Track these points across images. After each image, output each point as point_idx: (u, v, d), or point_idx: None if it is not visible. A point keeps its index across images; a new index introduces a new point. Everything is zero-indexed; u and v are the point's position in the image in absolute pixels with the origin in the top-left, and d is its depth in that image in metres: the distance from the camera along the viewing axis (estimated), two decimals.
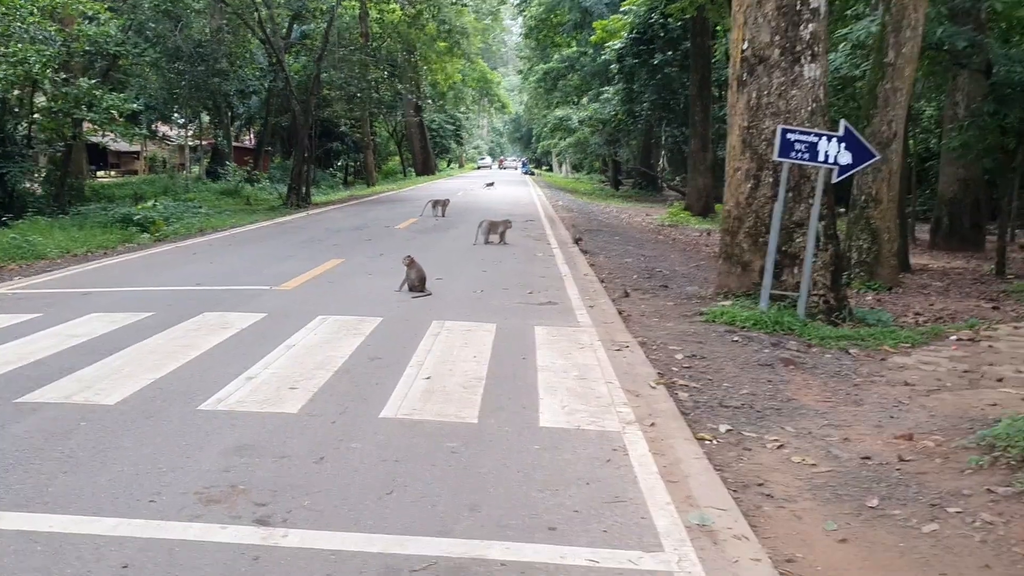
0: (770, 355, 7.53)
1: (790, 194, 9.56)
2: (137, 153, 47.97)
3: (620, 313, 9.06)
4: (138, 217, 19.14)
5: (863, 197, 12.88)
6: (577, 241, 16.64)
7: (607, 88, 39.77)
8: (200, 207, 24.59)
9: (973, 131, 14.73)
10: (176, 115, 37.56)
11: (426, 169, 58.10)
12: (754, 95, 9.83)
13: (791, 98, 9.62)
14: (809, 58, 9.59)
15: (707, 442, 5.09)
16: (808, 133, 8.89)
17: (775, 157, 8.85)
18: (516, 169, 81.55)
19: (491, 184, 39.95)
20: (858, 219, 12.99)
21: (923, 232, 21.38)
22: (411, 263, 9.64)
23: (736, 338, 8.12)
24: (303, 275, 10.77)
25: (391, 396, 5.51)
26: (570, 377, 6.17)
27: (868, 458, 4.89)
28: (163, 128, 42.14)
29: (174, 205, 23.76)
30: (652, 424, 5.18)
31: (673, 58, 34.38)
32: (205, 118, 41.63)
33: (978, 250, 19.09)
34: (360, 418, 5.06)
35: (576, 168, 67.81)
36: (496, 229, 15.10)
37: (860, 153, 8.99)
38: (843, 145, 8.92)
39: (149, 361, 6.24)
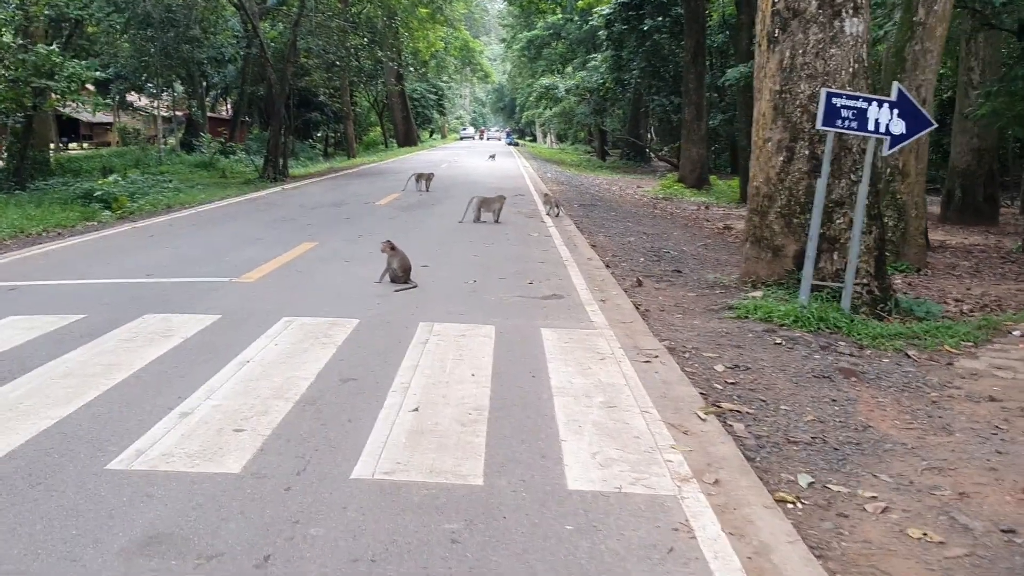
0: (824, 363, 6.23)
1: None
2: (111, 124, 45.96)
3: (637, 308, 7.72)
4: (99, 193, 17.59)
5: (888, 170, 11.56)
6: (552, 207, 15.42)
7: (595, 55, 38.18)
8: (170, 181, 23.05)
9: (1003, 97, 13.42)
10: (149, 85, 35.62)
11: (408, 140, 56.29)
12: (787, 54, 8.45)
13: (830, 58, 8.26)
14: (851, 11, 8.21)
15: (790, 505, 3.78)
16: (856, 98, 7.53)
17: (819, 126, 7.48)
18: (500, 140, 79.58)
19: (492, 157, 38.35)
20: (882, 194, 11.68)
21: (932, 205, 20.14)
22: (392, 250, 8.24)
23: (778, 340, 6.81)
24: (270, 263, 9.34)
25: (367, 441, 4.14)
26: (595, 404, 4.83)
27: (1012, 532, 3.59)
28: (136, 98, 40.20)
29: (143, 179, 22.21)
30: (715, 481, 3.86)
31: (663, 24, 32.83)
32: (179, 88, 39.79)
33: (992, 224, 17.88)
34: (325, 480, 3.70)
35: (560, 139, 66.13)
36: (490, 206, 13.65)
37: (915, 121, 7.64)
38: (895, 112, 7.57)
39: (59, 390, 4.83)
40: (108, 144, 44.29)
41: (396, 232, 12.28)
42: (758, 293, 8.31)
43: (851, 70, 8.24)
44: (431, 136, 75.08)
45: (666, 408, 4.88)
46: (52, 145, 42.46)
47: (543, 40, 51.00)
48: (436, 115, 68.81)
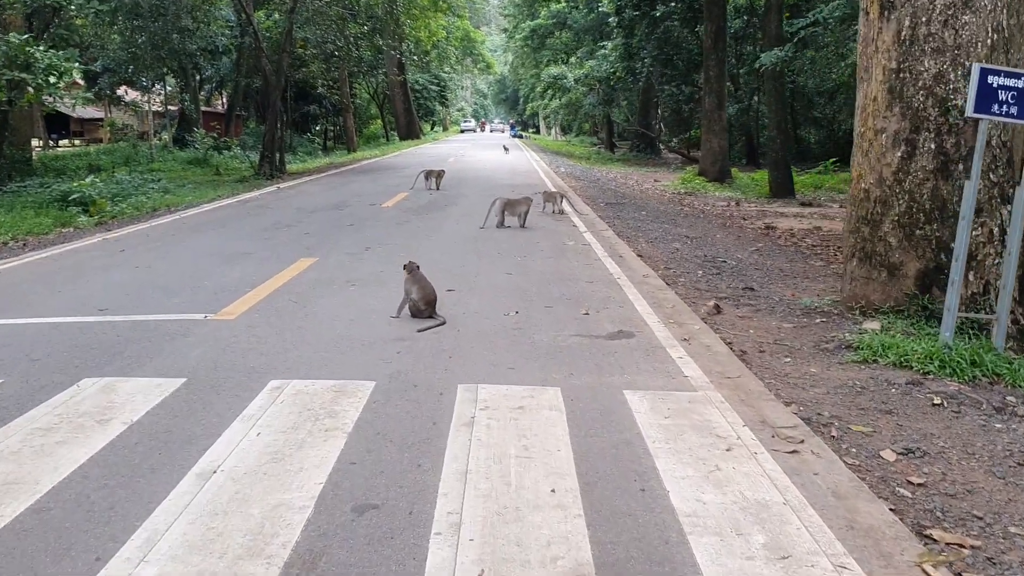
0: (1017, 437, 4.44)
1: (956, 167, 6.44)
2: (103, 120, 43.97)
3: (730, 346, 5.90)
4: (76, 196, 15.75)
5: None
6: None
7: (604, 43, 36.23)
8: (159, 180, 21.23)
9: None
10: (141, 78, 33.65)
11: (410, 133, 54.27)
12: (907, 23, 6.61)
13: (962, 27, 6.43)
14: None
15: None
16: (1019, 76, 5.69)
17: (970, 112, 5.62)
18: (503, 132, 77.25)
19: (506, 150, 36.47)
20: None
21: None
22: (412, 273, 6.40)
23: (934, 398, 5.00)
24: (258, 289, 7.48)
25: None
26: (757, 554, 3.01)
27: None
28: (129, 92, 38.18)
29: (129, 179, 20.41)
30: None
31: (676, 9, 30.92)
32: (171, 81, 37.84)
33: None
34: None
35: (564, 130, 64.11)
36: (515, 209, 11.76)
37: None
38: None
39: None
40: (100, 141, 42.32)
41: (408, 241, 10.44)
42: (875, 325, 6.48)
43: (988, 42, 6.41)
44: (432, 128, 72.98)
45: (865, 553, 3.06)
46: (40, 142, 40.59)
47: (547, 29, 48.99)
48: (439, 107, 66.74)
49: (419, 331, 6.03)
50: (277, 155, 24.88)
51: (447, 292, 7.28)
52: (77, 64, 21.90)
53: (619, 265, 9.07)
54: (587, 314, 6.70)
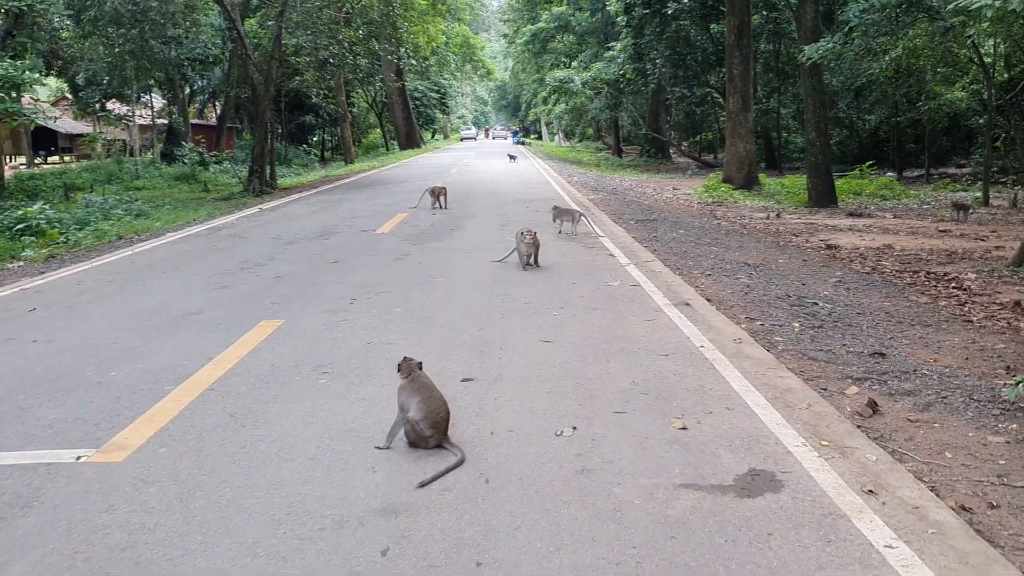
0: None
1: None
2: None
3: (942, 499, 3.40)
4: (21, 227, 13.32)
5: None
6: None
7: (613, 44, 33.76)
8: (135, 200, 18.79)
9: None
10: (126, 90, 31.16)
11: (410, 142, 51.71)
12: None
13: None
14: None
15: None
16: None
17: None
18: (506, 139, 74.43)
19: (513, 158, 34.04)
20: None
21: None
22: (411, 378, 3.89)
23: None
24: (183, 387, 4.94)
25: None
26: None
27: None
28: (117, 106, 35.65)
29: (101, 200, 17.99)
30: None
31: (689, 6, 28.47)
32: (159, 93, 35.41)
33: None
34: None
35: (567, 136, 61.51)
36: (531, 246, 8.89)
37: None
38: None
39: None
40: (89, 156, 39.80)
41: (407, 287, 7.92)
42: None
43: None
44: (433, 137, 70.32)
45: None
46: (23, 159, 38.13)
47: (548, 33, 46.55)
48: (439, 114, 64.16)
49: (421, 485, 3.52)
50: (268, 169, 22.42)
51: (462, 383, 4.80)
52: (39, 75, 19.49)
53: (690, 318, 6.57)
54: (685, 429, 4.19)
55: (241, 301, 7.33)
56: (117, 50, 23.71)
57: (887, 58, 16.93)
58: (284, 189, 22.80)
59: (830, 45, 14.82)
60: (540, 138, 77.39)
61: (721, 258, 10.34)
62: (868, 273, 9.72)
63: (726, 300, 7.57)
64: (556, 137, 63.38)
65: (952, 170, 26.68)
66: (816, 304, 7.59)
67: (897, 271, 9.89)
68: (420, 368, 3.95)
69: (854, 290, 8.51)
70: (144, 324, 6.58)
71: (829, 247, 11.86)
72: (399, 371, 3.92)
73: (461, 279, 8.34)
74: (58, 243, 12.86)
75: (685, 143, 38.77)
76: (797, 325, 6.74)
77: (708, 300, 7.46)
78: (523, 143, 61.65)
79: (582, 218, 11.84)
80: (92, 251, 11.84)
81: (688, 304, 7.10)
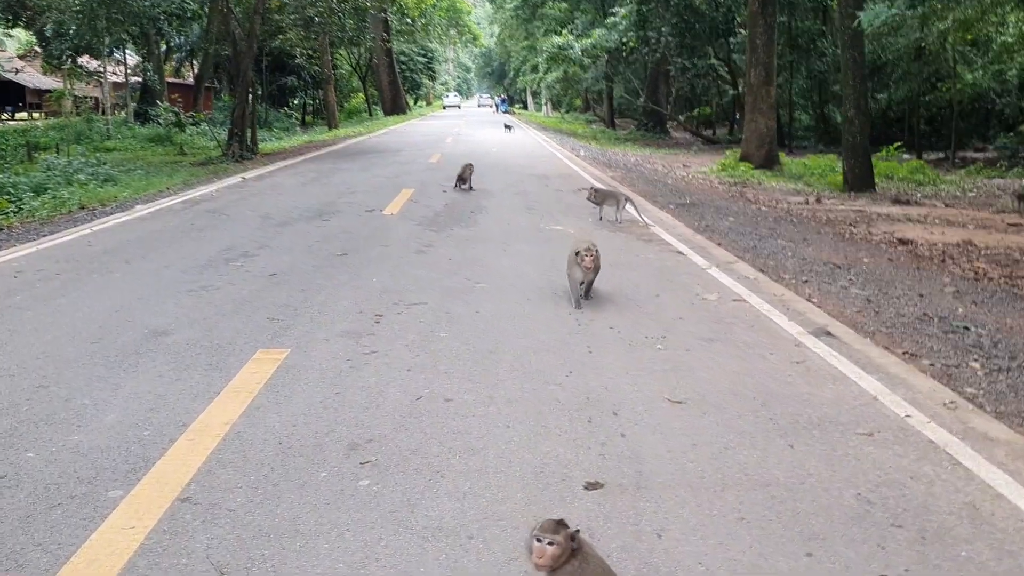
0: None
1: None
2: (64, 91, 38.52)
3: None
4: None
5: None
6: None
7: (615, 10, 31.57)
8: (104, 164, 16.56)
9: None
10: (98, 44, 28.49)
11: (395, 108, 49.14)
12: None
13: None
14: None
15: None
16: None
17: None
18: (491, 108, 71.63)
19: (509, 128, 31.89)
20: None
21: None
22: (581, 559, 2.00)
23: None
24: (136, 491, 3.01)
25: None
26: None
27: None
28: (92, 61, 32.80)
29: (64, 162, 15.77)
30: None
31: None
32: (134, 49, 32.71)
33: None
34: None
35: (555, 106, 59.11)
36: (584, 270, 5.70)
37: None
38: None
39: None
40: (59, 114, 36.96)
41: (445, 296, 5.95)
42: None
43: None
44: (416, 103, 67.46)
45: None
46: None
47: None
48: (425, 80, 61.37)
49: None
50: (248, 132, 20.22)
51: (586, 493, 2.93)
52: (4, 26, 17.10)
53: (852, 360, 4.70)
54: None
55: (227, 314, 5.33)
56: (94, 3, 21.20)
57: (941, 26, 15.06)
58: (266, 155, 20.63)
59: (892, 10, 12.91)
60: (526, 107, 74.80)
61: (800, 256, 8.50)
62: (976, 280, 7.96)
63: (861, 323, 5.73)
64: (545, 107, 60.94)
65: (972, 153, 25.02)
66: (968, 329, 5.79)
67: (1006, 277, 8.14)
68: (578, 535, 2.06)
69: (982, 304, 6.75)
70: (89, 351, 4.58)
71: (902, 242, 10.05)
72: (561, 545, 2.01)
73: (509, 285, 6.38)
74: (6, 213, 10.76)
75: (682, 116, 36.81)
76: (976, 365, 4.93)
77: (850, 327, 5.59)
78: (510, 112, 59.17)
79: (628, 203, 9.95)
80: (46, 224, 9.81)
81: (829, 333, 5.23)
